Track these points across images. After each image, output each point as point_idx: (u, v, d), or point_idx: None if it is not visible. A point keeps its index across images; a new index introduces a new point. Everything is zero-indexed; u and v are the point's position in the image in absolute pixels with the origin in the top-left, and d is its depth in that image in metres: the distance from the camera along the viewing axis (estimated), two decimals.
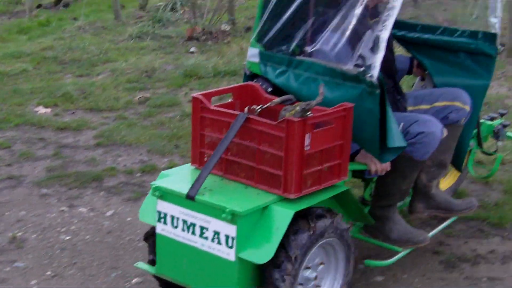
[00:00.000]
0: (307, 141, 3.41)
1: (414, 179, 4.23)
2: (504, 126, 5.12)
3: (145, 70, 8.79)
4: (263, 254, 3.30)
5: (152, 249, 3.78)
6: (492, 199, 5.17)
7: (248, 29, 10.73)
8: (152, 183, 3.65)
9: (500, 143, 5.20)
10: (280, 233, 3.31)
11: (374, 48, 3.52)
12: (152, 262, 3.78)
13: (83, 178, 5.69)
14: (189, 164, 3.83)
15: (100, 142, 6.52)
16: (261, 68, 4.00)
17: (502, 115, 5.30)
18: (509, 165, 5.71)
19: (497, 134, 5.10)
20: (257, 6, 4.05)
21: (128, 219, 5.04)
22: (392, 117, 3.64)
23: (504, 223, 4.87)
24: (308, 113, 3.37)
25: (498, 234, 4.76)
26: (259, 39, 4.00)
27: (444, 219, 4.59)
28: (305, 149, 3.41)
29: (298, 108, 3.38)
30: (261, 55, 3.98)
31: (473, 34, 4.55)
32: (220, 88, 4.06)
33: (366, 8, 3.75)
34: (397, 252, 4.13)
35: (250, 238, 3.36)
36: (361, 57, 3.58)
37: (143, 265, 3.83)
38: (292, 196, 3.41)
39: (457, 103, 4.37)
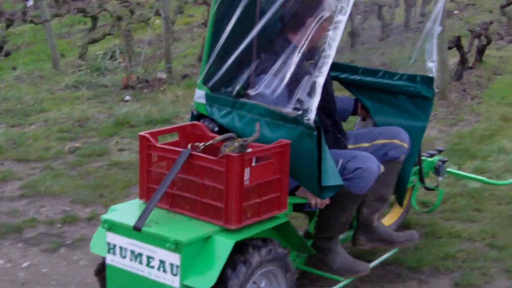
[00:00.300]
0: (246, 175, 3.65)
1: (354, 212, 4.49)
2: (443, 162, 5.49)
3: (78, 120, 8.81)
4: (205, 281, 3.53)
5: (103, 284, 4.00)
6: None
7: (185, 76, 10.82)
8: (101, 216, 3.88)
9: (440, 179, 5.53)
10: (222, 261, 3.55)
11: (311, 93, 3.77)
12: None
13: (3, 230, 5.70)
14: (138, 199, 4.05)
15: (25, 193, 6.51)
16: (207, 109, 4.26)
17: (439, 151, 5.67)
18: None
19: (438, 170, 5.49)
20: (204, 50, 4.33)
21: (44, 270, 5.05)
22: (328, 157, 3.88)
23: (422, 266, 4.98)
24: (247, 149, 3.62)
25: (415, 278, 4.85)
26: (205, 81, 4.27)
27: (386, 251, 4.88)
28: (245, 182, 3.64)
29: (236, 144, 3.63)
30: (207, 97, 4.25)
31: (412, 78, 4.89)
32: (166, 128, 4.31)
33: (302, 52, 4.08)
34: (339, 282, 4.42)
35: (194, 266, 3.59)
36: (299, 101, 3.87)
37: None
38: (232, 227, 3.66)
39: (396, 141, 4.66)
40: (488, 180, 5.98)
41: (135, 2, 15.32)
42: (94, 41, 12.84)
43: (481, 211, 5.86)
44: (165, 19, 10.70)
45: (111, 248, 3.84)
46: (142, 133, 3.98)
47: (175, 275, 3.59)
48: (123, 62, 11.21)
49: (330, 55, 3.74)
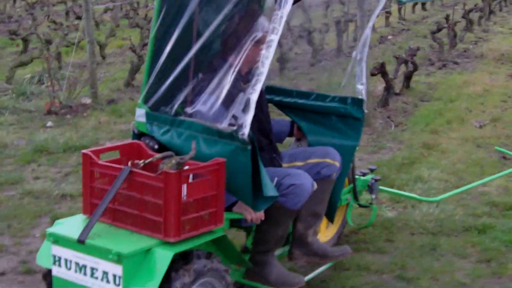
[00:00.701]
0: (183, 191, 3.87)
1: (289, 227, 4.70)
2: (376, 180, 5.76)
3: None
4: None
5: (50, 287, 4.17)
6: (320, 275, 5.17)
7: (111, 101, 10.67)
8: (47, 229, 4.08)
9: (373, 196, 5.77)
10: (161, 272, 3.76)
11: (245, 109, 3.95)
12: None
13: None
14: (81, 214, 4.24)
15: None
16: (147, 127, 4.40)
17: (372, 170, 5.97)
18: (344, 239, 5.78)
19: (371, 188, 5.74)
20: (144, 70, 4.46)
21: None
22: (263, 169, 4.05)
23: None
24: (184, 166, 3.83)
25: None
26: (146, 100, 4.40)
27: (321, 264, 5.09)
28: (182, 198, 3.86)
29: (174, 161, 3.81)
30: (147, 115, 4.38)
31: (343, 100, 5.19)
32: (108, 146, 4.51)
33: (239, 73, 4.33)
34: None
35: (135, 277, 3.79)
36: (234, 117, 4.11)
37: None
38: (171, 240, 3.86)
39: (328, 160, 4.90)
40: (419, 197, 6.31)
41: (66, 25, 15.13)
42: (22, 64, 12.59)
43: (393, 242, 5.83)
44: (89, 43, 10.53)
45: (56, 260, 4.03)
46: (85, 151, 4.17)
47: (118, 285, 3.78)
48: (50, 87, 10.96)
49: (263, 72, 3.93)
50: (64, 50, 13.61)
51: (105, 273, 3.82)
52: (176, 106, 4.36)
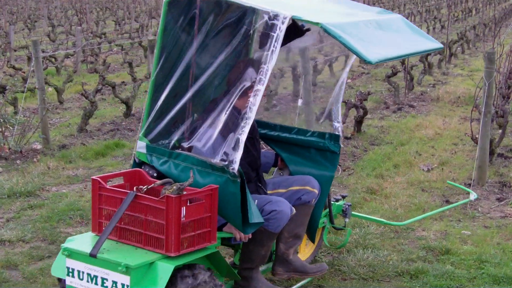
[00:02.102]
0: (183, 212, 4.53)
1: (271, 247, 5.36)
2: (349, 206, 6.39)
3: None
4: None
5: None
6: None
7: (62, 147, 10.64)
8: (62, 245, 4.71)
9: (347, 220, 6.41)
10: (164, 282, 4.41)
11: (235, 147, 4.64)
12: None
13: None
14: (90, 232, 4.91)
15: None
16: (147, 158, 5.09)
17: (343, 197, 6.55)
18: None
19: (345, 213, 6.38)
20: (145, 108, 5.11)
21: None
22: (251, 199, 4.78)
23: None
24: (183, 191, 4.48)
25: None
26: (146, 134, 5.09)
27: (301, 280, 5.80)
28: (182, 219, 4.52)
29: (175, 187, 4.48)
30: (148, 147, 5.08)
31: (321, 135, 5.86)
32: (114, 173, 5.20)
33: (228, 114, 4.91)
34: None
35: (141, 286, 4.44)
36: (225, 153, 4.70)
37: None
38: (172, 255, 4.53)
39: (308, 187, 5.59)
40: (387, 222, 6.79)
41: (22, 71, 15.13)
42: None
43: (323, 287, 5.83)
44: (39, 90, 10.54)
45: (70, 272, 4.70)
46: (94, 177, 4.83)
47: None
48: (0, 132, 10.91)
49: (250, 117, 4.60)
50: (24, 96, 13.58)
51: (114, 283, 4.49)
52: (173, 141, 5.08)
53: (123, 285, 4.44)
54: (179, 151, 4.98)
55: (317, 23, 4.52)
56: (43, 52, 18.59)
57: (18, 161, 9.90)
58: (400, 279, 6.05)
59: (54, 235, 7.05)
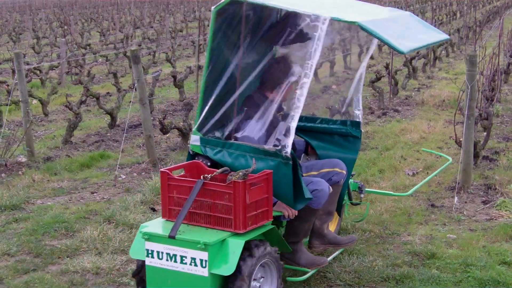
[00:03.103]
0: (247, 195, 5.16)
1: (312, 223, 6.04)
2: (362, 184, 7.17)
3: None
4: (227, 269, 5.06)
5: (139, 282, 5.48)
6: None
7: (47, 159, 10.61)
8: (140, 230, 5.37)
9: (362, 195, 7.21)
10: (237, 256, 5.08)
11: (286, 134, 5.40)
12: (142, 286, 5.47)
13: None
14: (161, 218, 5.55)
15: None
16: (201, 149, 5.76)
17: (352, 175, 7.06)
18: None
19: (360, 189, 7.17)
20: (197, 106, 5.79)
21: None
22: (302, 179, 5.45)
23: None
24: (247, 177, 5.13)
25: None
26: (199, 129, 5.77)
27: (335, 250, 6.48)
28: (246, 200, 5.17)
29: (240, 173, 5.13)
30: (202, 140, 5.76)
31: (343, 122, 6.59)
32: (177, 165, 5.76)
33: (280, 105, 5.94)
34: (307, 272, 6.00)
35: (217, 260, 5.10)
36: (278, 139, 5.51)
37: None
38: (241, 232, 5.20)
39: (337, 169, 6.27)
40: (394, 193, 7.90)
41: (6, 84, 15.07)
42: None
43: None
44: (23, 103, 10.50)
45: (149, 253, 5.30)
46: (162, 169, 5.49)
47: (204, 267, 5.07)
48: None
49: (299, 106, 5.26)
50: (9, 108, 13.52)
51: (193, 259, 5.11)
52: (227, 132, 5.77)
53: (201, 260, 5.08)
54: (232, 141, 5.66)
55: (354, 22, 5.14)
56: (27, 64, 18.54)
57: (3, 174, 9.87)
58: (385, 285, 6.05)
59: (39, 248, 7.03)
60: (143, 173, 9.76)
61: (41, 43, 28.60)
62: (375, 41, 6.69)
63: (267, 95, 5.86)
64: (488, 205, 8.14)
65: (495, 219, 7.67)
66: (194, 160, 5.72)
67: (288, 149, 5.31)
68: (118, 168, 9.86)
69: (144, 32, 32.28)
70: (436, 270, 6.32)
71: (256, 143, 5.55)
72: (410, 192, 7.61)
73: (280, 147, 5.33)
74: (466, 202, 8.26)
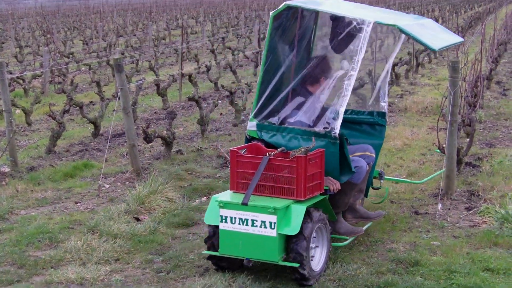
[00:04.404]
0: (307, 168, 6.21)
1: (351, 196, 7.04)
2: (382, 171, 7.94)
3: None
4: (293, 230, 6.05)
5: (212, 245, 6.39)
6: None
7: (31, 169, 10.56)
8: (214, 199, 6.37)
9: (382, 181, 7.89)
10: (300, 219, 6.06)
11: (335, 117, 6.42)
12: (213, 249, 6.38)
13: None
14: (229, 191, 6.58)
15: None
16: (257, 134, 6.83)
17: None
18: None
19: (380, 176, 7.85)
20: (255, 97, 6.93)
21: None
22: (348, 155, 6.54)
23: None
24: (308, 153, 6.16)
25: None
26: (256, 116, 6.87)
27: (365, 223, 7.39)
28: (307, 172, 6.20)
29: (303, 149, 6.18)
30: (258, 125, 6.83)
31: (371, 113, 7.69)
32: (240, 146, 6.68)
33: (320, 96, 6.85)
34: (345, 239, 6.94)
35: (283, 222, 6.09)
36: (327, 123, 6.49)
37: (208, 252, 6.43)
38: (302, 199, 6.23)
39: (368, 153, 7.30)
40: (409, 181, 8.92)
41: None
42: None
43: None
44: (6, 112, 10.46)
45: (223, 219, 6.24)
46: (232, 148, 6.52)
47: (273, 228, 6.04)
48: None
49: (347, 95, 6.37)
50: None
51: (263, 222, 6.08)
52: (281, 118, 6.82)
53: (270, 223, 6.04)
54: (285, 125, 6.70)
55: (394, 25, 6.38)
56: (10, 73, 18.47)
57: None
58: None
59: (23, 259, 7.00)
60: (127, 183, 9.73)
61: (23, 52, 28.50)
62: (401, 42, 7.71)
63: (309, 88, 6.87)
64: (471, 211, 8.18)
65: (479, 226, 7.71)
66: (253, 143, 6.75)
67: (337, 131, 6.36)
68: (102, 177, 9.83)
69: (127, 40, 32.26)
70: (420, 277, 6.34)
71: (306, 126, 6.62)
72: (424, 180, 8.69)
73: (329, 128, 6.39)
74: (449, 209, 8.29)
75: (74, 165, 10.67)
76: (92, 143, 12.48)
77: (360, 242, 7.21)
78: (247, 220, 6.10)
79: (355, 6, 7.35)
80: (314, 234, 6.21)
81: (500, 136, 12.15)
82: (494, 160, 10.27)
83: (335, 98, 6.56)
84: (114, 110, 12.88)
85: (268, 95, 6.84)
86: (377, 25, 6.72)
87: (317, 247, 6.35)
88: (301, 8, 6.88)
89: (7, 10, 68.21)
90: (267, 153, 6.32)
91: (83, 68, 23.57)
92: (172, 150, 10.98)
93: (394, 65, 17.72)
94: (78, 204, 8.97)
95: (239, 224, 6.13)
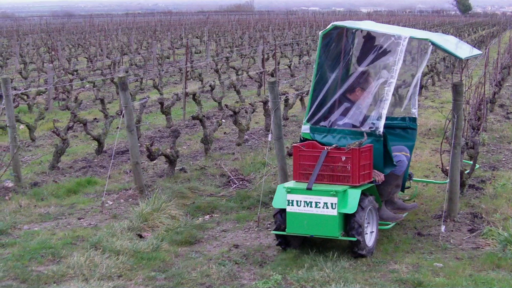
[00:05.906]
0: (360, 158, 7.37)
1: (393, 187, 8.16)
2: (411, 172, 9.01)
3: None
4: (351, 209, 7.22)
5: (280, 222, 7.55)
6: None
7: (34, 184, 10.59)
8: (282, 186, 7.54)
9: (411, 181, 9.09)
10: (356, 200, 7.22)
11: (379, 118, 7.52)
12: (280, 230, 7.57)
13: None
14: (292, 180, 7.72)
15: None
16: (310, 135, 7.99)
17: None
18: None
19: (410, 176, 8.91)
20: (307, 103, 8.18)
21: None
22: (392, 150, 7.72)
23: None
24: (361, 146, 7.33)
25: None
26: (309, 120, 8.04)
27: (402, 213, 8.43)
28: (360, 162, 7.36)
29: (357, 143, 7.36)
30: (311, 128, 8.02)
31: (403, 119, 8.74)
32: (300, 143, 7.88)
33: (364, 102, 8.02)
34: (388, 224, 8.01)
35: (343, 203, 7.24)
36: (372, 123, 7.57)
37: (276, 232, 7.56)
38: (357, 185, 7.39)
39: (403, 153, 8.32)
40: (435, 181, 10.06)
41: None
42: None
43: None
44: (10, 128, 10.49)
45: (290, 202, 7.38)
46: (295, 144, 7.80)
47: (334, 208, 7.21)
48: None
49: (388, 99, 7.53)
50: None
51: (325, 203, 7.24)
52: (331, 121, 7.92)
53: (332, 204, 7.21)
54: (335, 127, 7.85)
55: (426, 39, 7.88)
56: (15, 89, 18.50)
57: None
58: None
59: (25, 274, 7.00)
60: (130, 200, 9.75)
61: (28, 69, 28.58)
62: (428, 54, 8.68)
63: (349, 97, 7.98)
64: (474, 233, 8.18)
65: (482, 248, 7.70)
66: (309, 141, 7.87)
67: (381, 129, 7.47)
68: (105, 194, 9.84)
69: (131, 59, 32.32)
70: None
71: (354, 127, 7.72)
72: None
73: (374, 128, 7.50)
74: (452, 231, 8.30)
75: (78, 181, 10.69)
76: (95, 160, 12.50)
77: (363, 262, 7.20)
78: (311, 202, 7.26)
79: (387, 26, 8.72)
80: (366, 216, 7.28)
81: (504, 159, 12.16)
82: (497, 183, 10.28)
83: (378, 102, 7.65)
84: (118, 128, 12.93)
85: (318, 103, 8.03)
86: (410, 39, 7.78)
87: (369, 224, 7.44)
88: (346, 27, 8.10)
89: (12, 26, 68.52)
90: (325, 147, 7.52)
91: (87, 85, 23.62)
92: (175, 168, 11.00)
93: (397, 87, 17.72)
94: (81, 220, 8.98)
95: (304, 206, 7.27)
